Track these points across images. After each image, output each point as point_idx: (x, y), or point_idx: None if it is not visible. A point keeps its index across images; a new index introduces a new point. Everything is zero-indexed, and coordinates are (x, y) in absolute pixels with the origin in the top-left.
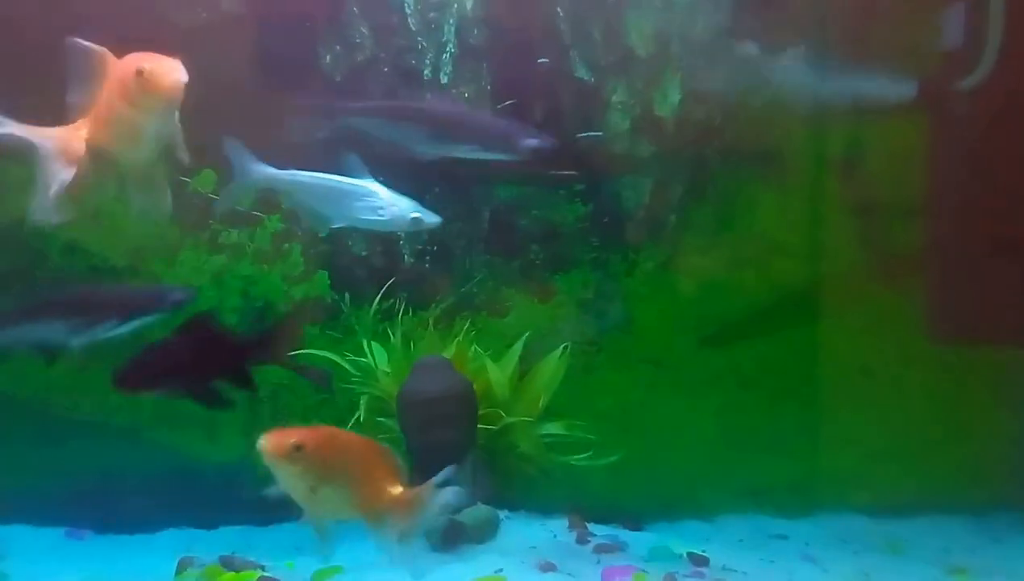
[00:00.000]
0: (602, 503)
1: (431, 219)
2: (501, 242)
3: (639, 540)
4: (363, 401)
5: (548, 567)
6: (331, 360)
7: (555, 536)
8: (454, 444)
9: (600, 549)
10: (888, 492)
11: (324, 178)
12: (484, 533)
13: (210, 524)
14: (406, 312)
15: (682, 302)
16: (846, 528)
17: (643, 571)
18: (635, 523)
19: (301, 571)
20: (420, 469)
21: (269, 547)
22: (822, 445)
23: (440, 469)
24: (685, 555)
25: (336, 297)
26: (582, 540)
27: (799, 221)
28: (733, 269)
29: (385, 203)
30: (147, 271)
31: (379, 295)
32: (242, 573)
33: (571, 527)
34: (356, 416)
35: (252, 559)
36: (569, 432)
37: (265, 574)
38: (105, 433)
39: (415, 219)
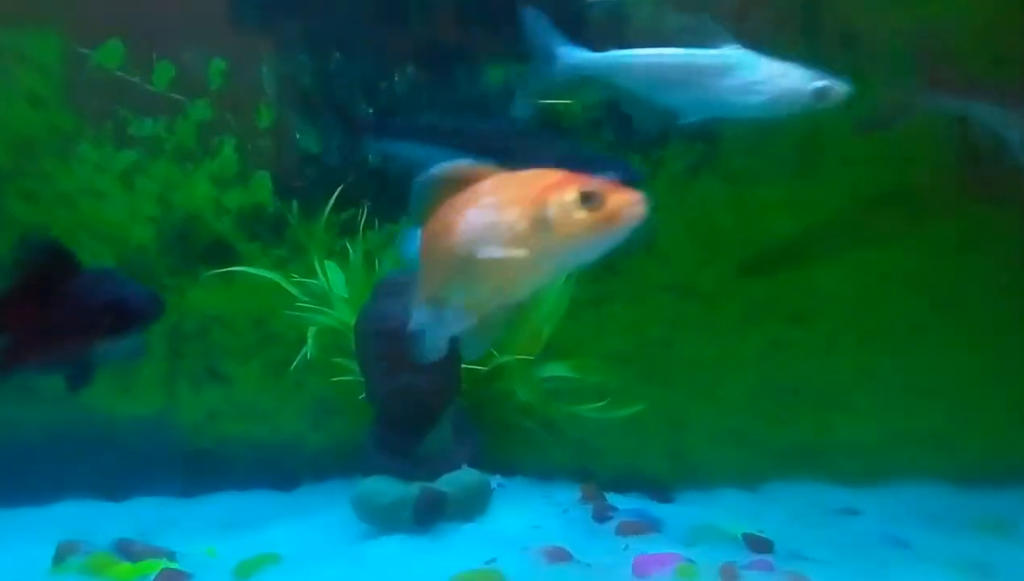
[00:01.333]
0: (620, 467)
1: (840, 88)
2: (489, 135)
3: (674, 516)
4: (312, 334)
5: (558, 555)
6: (273, 284)
7: (565, 511)
8: (430, 389)
9: (626, 529)
10: (979, 456)
11: (668, 55)
12: (471, 507)
13: (118, 495)
14: (370, 225)
15: (718, 215)
16: (928, 501)
17: (689, 560)
18: (662, 493)
19: (225, 559)
20: (386, 422)
21: (191, 525)
22: (893, 397)
23: (412, 421)
24: (740, 537)
25: (281, 205)
26: (601, 516)
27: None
28: (783, 174)
29: (765, 76)
30: (36, 171)
31: (333, 201)
32: (141, 564)
33: (584, 498)
34: (303, 353)
35: (159, 545)
36: (578, 375)
37: (171, 566)
38: None
39: (820, 91)
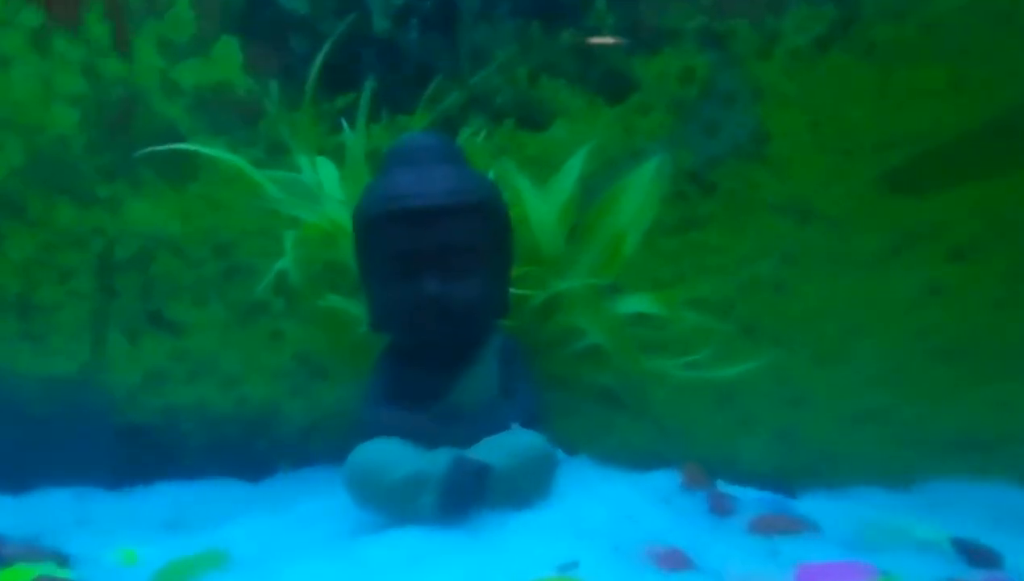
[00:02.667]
0: (714, 450)
1: None
2: None
3: (826, 513)
4: (290, 239)
5: (673, 559)
6: (240, 193)
7: (667, 500)
8: (465, 305)
9: (765, 525)
10: None
11: None
12: (527, 485)
13: (19, 484)
14: (375, 116)
15: (854, 108)
16: None
17: (884, 572)
18: (781, 485)
19: (147, 563)
20: (400, 354)
21: (115, 524)
22: None
23: (440, 353)
24: (948, 543)
25: (255, 86)
26: (720, 507)
27: None
28: (948, 51)
29: None
30: None
31: (325, 81)
32: (8, 570)
33: (689, 484)
34: (275, 270)
35: (50, 546)
36: (668, 313)
37: (53, 573)
38: None
39: None
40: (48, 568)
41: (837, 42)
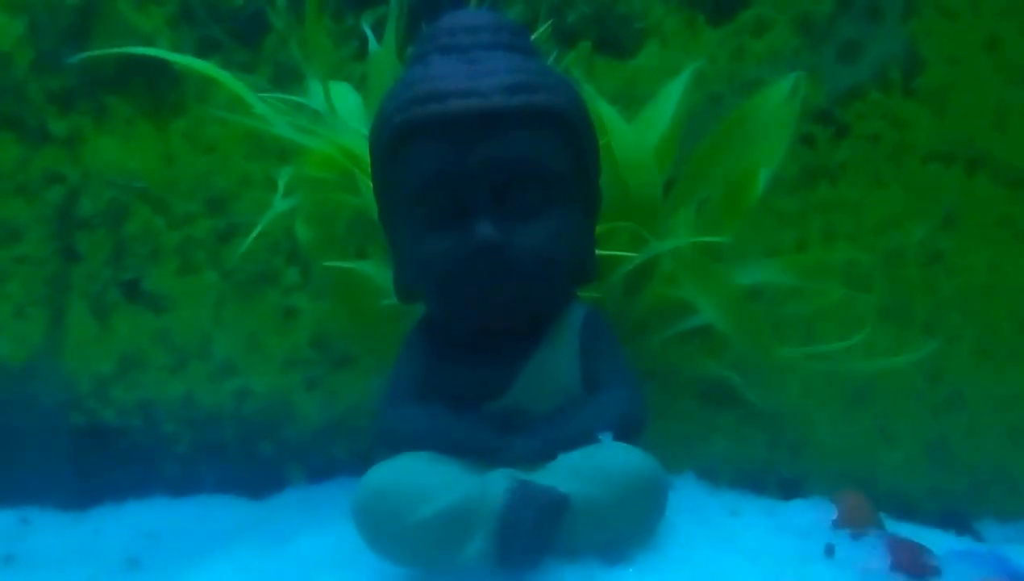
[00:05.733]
0: (854, 467)
1: None
2: None
3: None
4: (285, 178)
5: None
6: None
7: (828, 548)
8: (532, 264)
9: None
10: None
11: None
12: (625, 523)
13: None
14: (411, 34)
15: None
16: None
17: None
18: (957, 521)
19: None
20: (440, 336)
21: (72, 551)
22: None
23: (497, 334)
24: None
25: None
26: (914, 566)
27: None
28: None
29: None
30: None
31: None
32: None
33: (849, 523)
34: (269, 215)
35: None
36: (807, 283)
37: None
38: None
39: None
40: None
41: None
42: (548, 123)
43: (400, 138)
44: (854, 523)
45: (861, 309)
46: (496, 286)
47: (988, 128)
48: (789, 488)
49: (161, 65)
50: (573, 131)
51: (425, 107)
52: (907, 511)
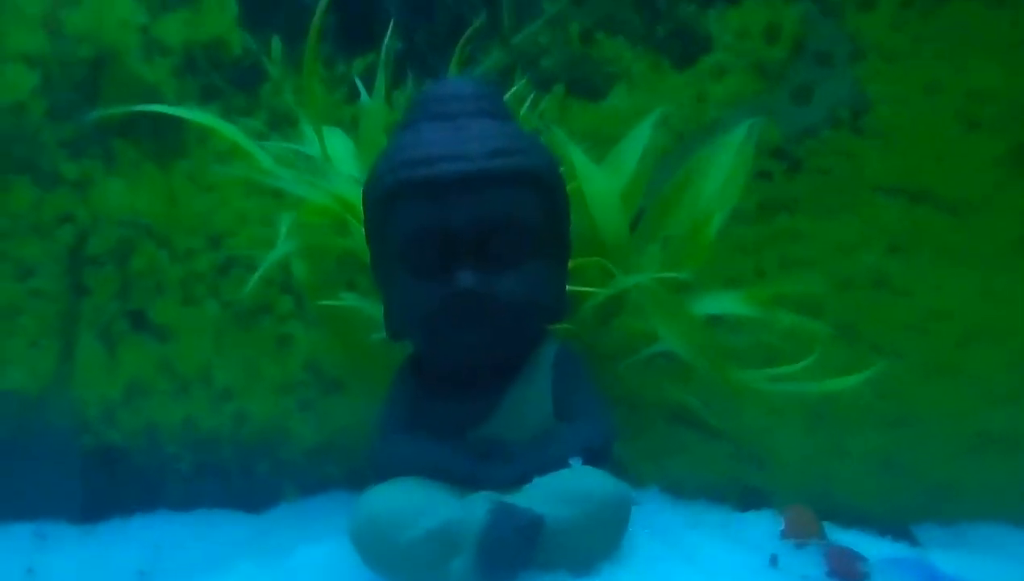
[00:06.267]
0: (806, 481)
1: None
2: None
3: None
4: (287, 222)
5: None
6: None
7: (773, 558)
8: (511, 304)
9: None
10: None
11: None
12: (593, 541)
13: None
14: (398, 82)
15: (978, 69)
16: None
17: None
18: (897, 529)
19: None
20: (426, 371)
21: (87, 565)
22: None
23: (475, 365)
24: None
25: (253, 45)
26: (847, 571)
27: None
28: None
29: None
30: None
31: (334, 38)
32: None
33: (794, 534)
34: (269, 259)
35: None
36: (761, 314)
37: None
38: None
39: None
40: None
41: None
42: (524, 183)
43: (392, 197)
44: (799, 534)
45: (815, 332)
46: (477, 329)
47: (930, 162)
48: (751, 501)
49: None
50: (546, 190)
51: (415, 170)
52: (857, 520)
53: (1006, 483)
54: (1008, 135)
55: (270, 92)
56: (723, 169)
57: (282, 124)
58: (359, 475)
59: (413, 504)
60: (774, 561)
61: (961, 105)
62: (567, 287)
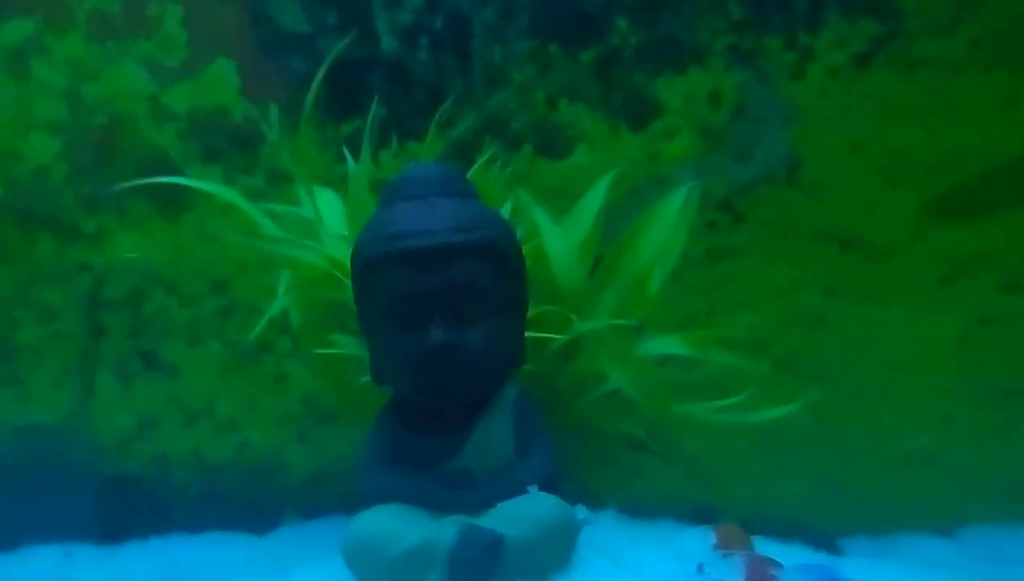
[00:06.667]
0: (752, 499)
1: None
2: (558, 14)
3: (869, 576)
4: (284, 281)
5: None
6: (239, 224)
7: (700, 567)
8: (476, 356)
9: None
10: None
11: None
12: (547, 555)
13: (5, 540)
14: (383, 141)
15: (898, 128)
16: None
17: None
18: (820, 539)
19: None
20: (402, 411)
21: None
22: None
23: (446, 409)
24: None
25: (253, 111)
26: (760, 575)
27: None
28: (1001, 65)
29: None
30: None
31: (328, 106)
32: None
33: (724, 546)
34: (269, 312)
35: None
36: (698, 354)
37: None
38: None
39: None
40: None
41: (878, 59)
42: (484, 253)
43: (374, 266)
44: (727, 546)
45: (750, 368)
46: (447, 377)
47: (856, 213)
48: (700, 518)
49: (173, 172)
50: (504, 258)
51: (392, 243)
52: (790, 533)
53: (926, 497)
54: (925, 189)
55: (268, 154)
56: (666, 226)
57: (279, 181)
58: (352, 499)
59: (395, 526)
60: (700, 569)
61: (883, 163)
62: (526, 336)
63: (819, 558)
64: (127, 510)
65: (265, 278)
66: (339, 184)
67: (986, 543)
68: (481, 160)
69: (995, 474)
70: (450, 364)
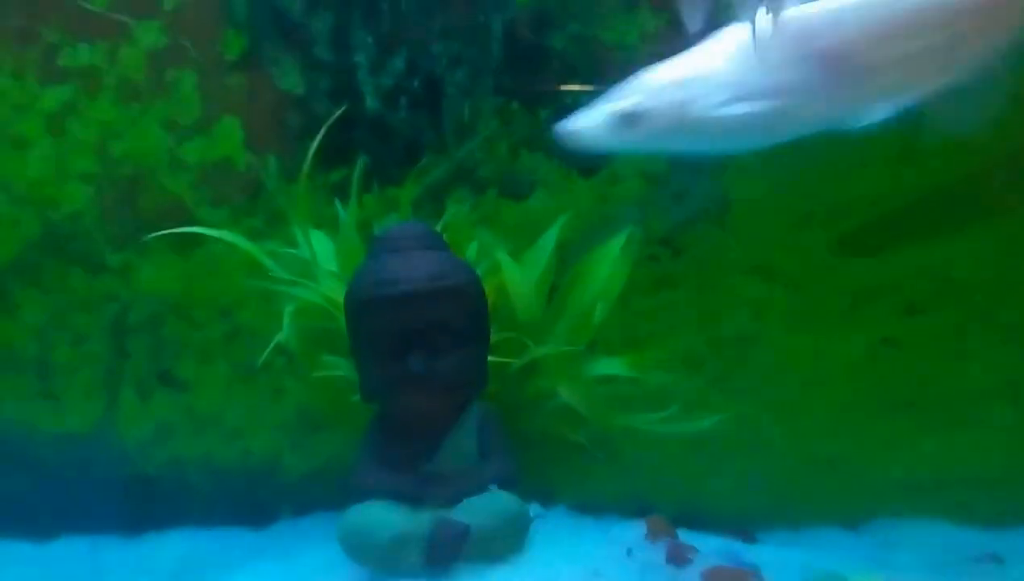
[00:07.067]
0: (685, 498)
1: None
2: (522, 75)
3: (772, 560)
4: (289, 314)
5: None
6: (242, 261)
7: (629, 551)
8: (447, 379)
9: (714, 576)
10: None
11: None
12: (502, 543)
13: (39, 533)
14: (367, 187)
15: (811, 175)
16: None
17: None
18: (741, 531)
19: None
20: (387, 425)
21: (133, 570)
22: None
23: (423, 424)
24: None
25: (255, 161)
26: (678, 558)
27: None
28: (898, 122)
29: None
30: None
31: (320, 157)
32: None
33: (652, 535)
34: (276, 339)
35: None
36: (636, 374)
37: None
38: None
39: None
40: None
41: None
42: (454, 296)
43: (364, 307)
44: (655, 536)
45: (689, 385)
46: (424, 398)
47: (776, 250)
48: (640, 514)
49: (187, 216)
50: (470, 298)
51: (380, 289)
52: (714, 524)
53: (834, 495)
54: (834, 228)
55: (267, 198)
56: (609, 265)
57: (277, 222)
58: (339, 497)
59: (382, 517)
60: (629, 552)
61: (798, 206)
62: (489, 361)
63: (733, 545)
64: (147, 506)
65: (264, 306)
66: (329, 224)
67: (883, 534)
68: (452, 203)
69: (894, 476)
70: (426, 387)
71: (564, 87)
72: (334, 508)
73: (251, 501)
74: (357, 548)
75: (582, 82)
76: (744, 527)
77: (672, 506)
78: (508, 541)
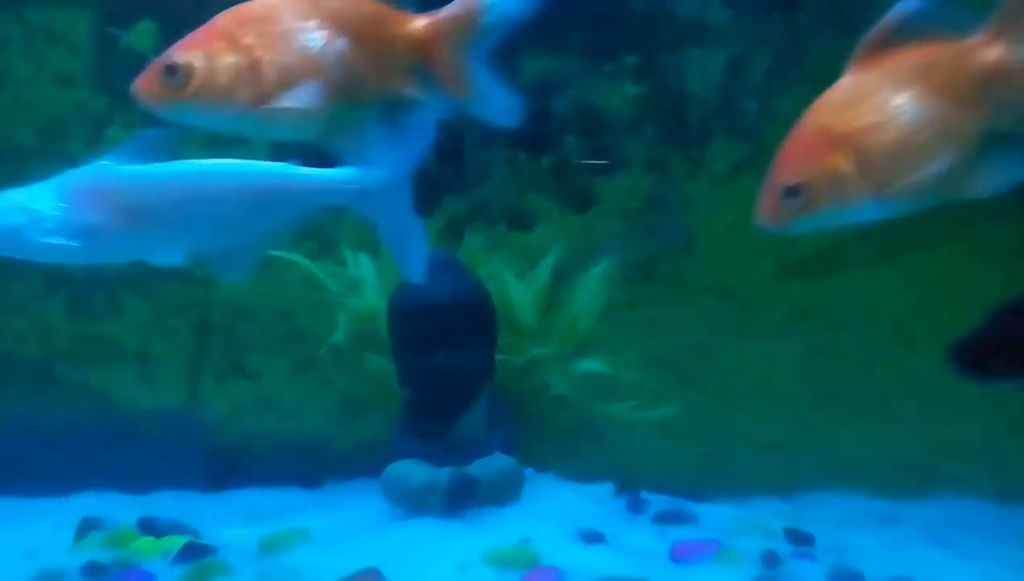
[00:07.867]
0: (653, 472)
1: None
2: (527, 132)
3: (710, 512)
4: (342, 319)
5: (593, 536)
6: (301, 276)
7: (601, 503)
8: (464, 371)
9: (662, 519)
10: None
11: None
12: (503, 492)
13: (139, 487)
14: None
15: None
16: (974, 516)
17: (728, 547)
18: (696, 496)
19: (251, 540)
20: (418, 405)
21: (215, 515)
22: (938, 408)
23: (445, 405)
24: (780, 531)
25: None
26: (636, 507)
27: None
28: None
29: None
30: (62, 152)
31: None
32: (165, 539)
33: (619, 492)
34: (334, 337)
35: (185, 523)
36: (614, 371)
37: (197, 540)
38: (6, 367)
39: None
40: (190, 539)
41: (748, 168)
42: (472, 308)
43: (400, 316)
44: (622, 492)
45: (658, 382)
46: (448, 388)
47: (732, 274)
48: (621, 484)
49: None
50: (483, 310)
51: (413, 302)
52: (676, 492)
53: (775, 472)
54: (781, 257)
55: (321, 226)
56: (591, 288)
57: (329, 247)
58: (378, 465)
59: (412, 471)
60: (602, 503)
61: (753, 240)
62: (496, 358)
63: (679, 502)
64: (224, 470)
65: (317, 311)
66: (371, 249)
67: (813, 503)
68: (470, 233)
69: (825, 456)
70: (447, 378)
71: None
72: (373, 475)
73: (305, 468)
74: (394, 493)
75: (576, 137)
76: (696, 493)
77: (640, 477)
78: (506, 491)
